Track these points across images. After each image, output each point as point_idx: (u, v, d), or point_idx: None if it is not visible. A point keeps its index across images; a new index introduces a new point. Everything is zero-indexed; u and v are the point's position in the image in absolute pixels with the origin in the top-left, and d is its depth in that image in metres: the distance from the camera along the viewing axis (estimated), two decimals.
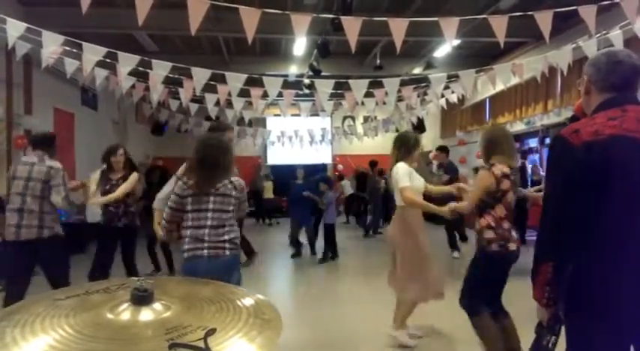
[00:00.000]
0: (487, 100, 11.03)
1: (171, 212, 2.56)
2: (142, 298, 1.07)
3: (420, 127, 11.63)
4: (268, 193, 12.96)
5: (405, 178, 3.31)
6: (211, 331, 0.96)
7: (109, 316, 1.05)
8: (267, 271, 6.72)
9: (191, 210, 2.50)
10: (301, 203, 7.26)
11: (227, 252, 2.49)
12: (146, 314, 1.05)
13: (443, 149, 7.49)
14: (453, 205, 3.05)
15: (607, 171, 1.36)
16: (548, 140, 8.88)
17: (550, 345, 1.50)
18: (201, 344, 0.91)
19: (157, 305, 1.08)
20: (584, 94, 1.59)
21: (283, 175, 12.19)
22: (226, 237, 2.50)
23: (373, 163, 10.23)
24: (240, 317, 1.06)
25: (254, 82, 5.97)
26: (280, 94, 6.27)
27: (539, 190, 5.26)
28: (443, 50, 9.27)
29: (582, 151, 1.38)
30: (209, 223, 2.48)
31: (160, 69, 5.32)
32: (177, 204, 2.53)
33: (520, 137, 10.16)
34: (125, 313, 1.05)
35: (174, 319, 1.03)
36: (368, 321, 4.10)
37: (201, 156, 2.52)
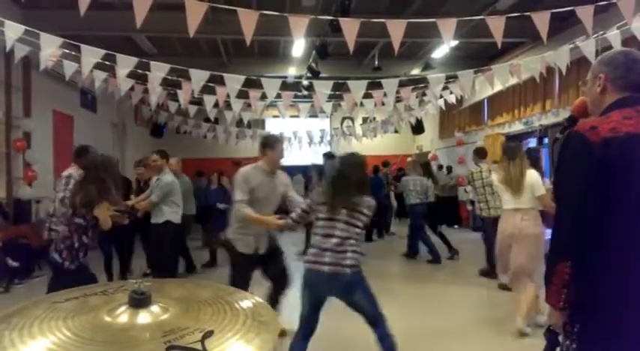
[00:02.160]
0: (485, 100, 11.04)
1: (302, 214, 2.78)
2: (139, 301, 1.07)
3: (418, 127, 11.65)
4: None
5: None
6: (209, 334, 0.96)
7: (107, 318, 1.05)
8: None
9: (323, 218, 2.64)
10: (217, 209, 6.83)
11: (347, 270, 2.55)
12: (144, 317, 1.05)
13: None
14: None
15: (625, 169, 1.34)
16: (546, 140, 8.89)
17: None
18: (198, 346, 0.92)
19: (155, 308, 1.08)
20: (599, 94, 1.54)
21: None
22: (349, 254, 2.57)
23: (385, 164, 10.28)
24: (237, 319, 1.06)
25: (253, 83, 5.98)
26: (279, 96, 6.28)
27: None
28: (441, 51, 9.28)
29: (601, 148, 1.34)
30: (337, 233, 2.58)
31: (159, 71, 5.32)
32: (310, 209, 2.73)
33: (518, 137, 10.17)
34: (123, 315, 1.06)
35: (171, 322, 1.03)
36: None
37: (339, 172, 2.69)
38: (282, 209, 3.42)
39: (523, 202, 3.92)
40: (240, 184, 3.35)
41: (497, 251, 4.16)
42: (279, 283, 3.58)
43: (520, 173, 3.93)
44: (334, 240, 2.56)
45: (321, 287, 2.64)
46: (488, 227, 5.68)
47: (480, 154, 6.18)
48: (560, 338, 1.48)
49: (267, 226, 3.24)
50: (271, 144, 3.50)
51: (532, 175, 3.94)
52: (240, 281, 3.29)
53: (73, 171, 4.02)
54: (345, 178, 2.65)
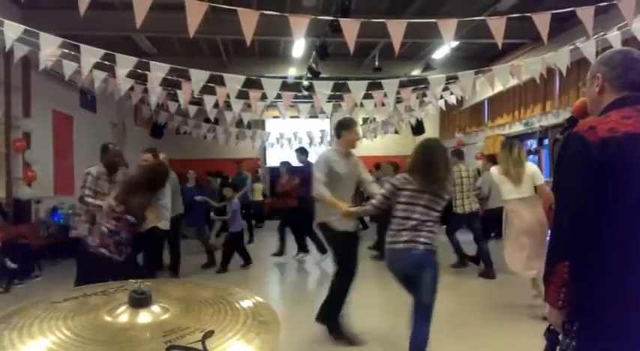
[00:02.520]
0: (486, 101, 11.06)
1: (383, 200, 2.87)
2: (140, 301, 1.06)
3: (418, 128, 11.65)
4: (257, 196, 12.71)
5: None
6: (209, 333, 0.96)
7: (107, 318, 1.04)
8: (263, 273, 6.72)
9: (404, 202, 2.73)
10: (195, 208, 6.81)
11: (420, 247, 2.66)
12: (144, 316, 1.04)
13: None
14: None
15: (623, 168, 1.33)
16: (546, 141, 8.90)
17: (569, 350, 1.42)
18: (199, 346, 0.91)
19: (155, 307, 1.07)
20: (597, 94, 1.54)
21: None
22: (424, 233, 2.68)
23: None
24: (238, 319, 1.06)
25: (253, 83, 5.98)
26: (279, 96, 6.28)
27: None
28: (441, 52, 9.29)
29: (599, 148, 1.34)
30: (416, 216, 2.69)
31: (159, 71, 5.32)
32: (391, 194, 2.80)
33: (519, 138, 10.15)
34: (123, 315, 1.05)
35: (172, 322, 1.03)
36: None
37: (427, 157, 2.77)
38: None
39: (524, 191, 4.14)
40: (320, 164, 3.56)
41: (518, 244, 4.19)
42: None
43: (520, 163, 4.16)
44: (412, 222, 2.69)
45: (396, 264, 2.79)
46: (454, 222, 6.22)
47: (459, 155, 6.58)
48: (560, 337, 1.48)
49: (338, 210, 3.30)
50: (347, 125, 3.68)
51: (531, 166, 4.25)
52: (345, 260, 3.60)
53: (93, 169, 4.17)
54: (433, 164, 2.74)
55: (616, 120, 1.39)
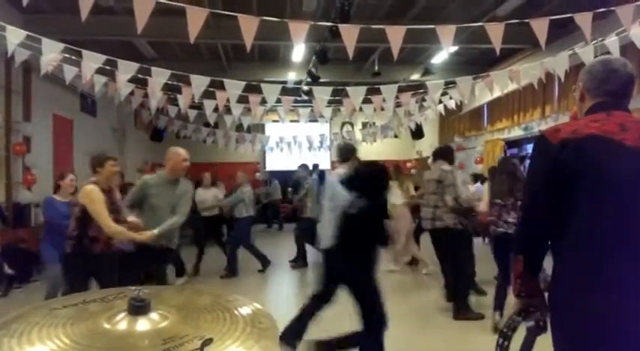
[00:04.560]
0: (485, 106, 11.08)
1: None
2: (138, 308, 1.07)
3: (418, 132, 11.66)
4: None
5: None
6: (208, 341, 0.96)
7: (106, 325, 1.05)
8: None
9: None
10: None
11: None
12: (143, 324, 1.04)
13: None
14: None
15: (578, 168, 1.38)
16: None
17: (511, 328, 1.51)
18: None
19: (154, 315, 1.07)
20: (579, 101, 1.61)
21: (282, 181, 12.23)
22: None
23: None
24: (237, 326, 1.06)
25: (253, 88, 6.00)
26: (279, 101, 6.29)
27: None
28: (440, 57, 9.32)
29: (557, 148, 1.41)
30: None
31: (159, 76, 5.33)
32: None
33: (518, 143, 10.18)
34: (122, 322, 1.05)
35: (171, 329, 1.03)
36: None
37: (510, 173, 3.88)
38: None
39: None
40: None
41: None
42: None
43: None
44: None
45: None
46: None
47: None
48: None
49: None
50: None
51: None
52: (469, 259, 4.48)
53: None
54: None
55: (583, 123, 1.46)
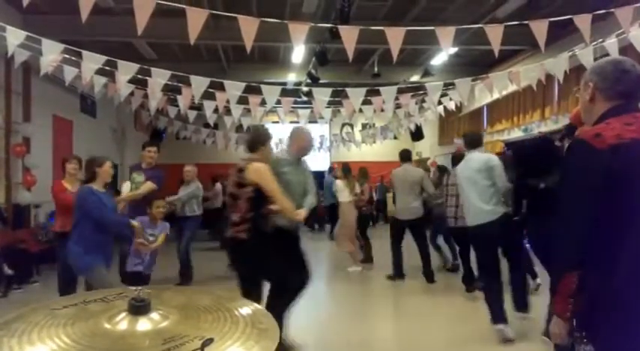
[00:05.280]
0: (484, 107, 11.08)
1: None
2: (139, 308, 1.07)
3: (417, 134, 11.68)
4: None
5: None
6: (208, 341, 0.96)
7: (107, 325, 1.04)
8: None
9: None
10: None
11: None
12: (143, 324, 1.04)
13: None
14: None
15: (633, 174, 1.34)
16: None
17: None
18: None
19: (155, 315, 1.07)
20: (588, 102, 1.57)
21: None
22: None
23: None
24: (237, 327, 1.06)
25: (252, 89, 6.00)
26: (278, 102, 6.29)
27: None
28: (440, 58, 9.33)
29: (609, 155, 1.35)
30: None
31: (159, 77, 5.33)
32: None
33: (518, 144, 10.14)
34: (122, 322, 1.05)
35: (171, 329, 1.03)
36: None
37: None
38: None
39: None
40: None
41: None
42: None
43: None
44: None
45: None
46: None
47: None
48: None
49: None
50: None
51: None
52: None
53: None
54: None
55: (620, 127, 1.41)
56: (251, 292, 2.99)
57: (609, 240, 1.35)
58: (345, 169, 7.17)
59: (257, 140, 3.35)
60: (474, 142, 4.17)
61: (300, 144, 3.72)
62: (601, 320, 1.38)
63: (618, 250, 1.35)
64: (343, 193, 6.82)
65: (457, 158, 5.28)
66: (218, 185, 10.29)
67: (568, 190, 1.47)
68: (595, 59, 4.92)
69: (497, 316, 3.64)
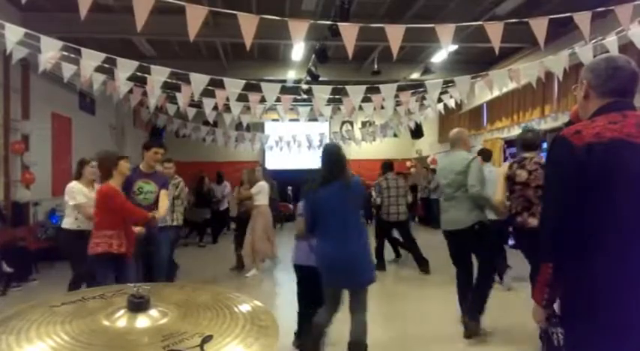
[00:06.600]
0: (484, 105, 11.08)
1: None
2: (138, 305, 1.06)
3: (417, 132, 11.66)
4: None
5: None
6: (208, 338, 0.96)
7: (105, 322, 1.04)
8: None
9: None
10: None
11: None
12: (142, 321, 1.04)
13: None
14: None
15: (607, 173, 1.37)
16: (545, 145, 8.90)
17: (559, 339, 1.50)
18: None
19: (154, 312, 1.07)
20: (583, 99, 1.59)
21: (281, 180, 12.21)
22: None
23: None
24: (236, 324, 1.06)
25: (252, 87, 5.99)
26: (278, 99, 6.28)
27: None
28: (440, 56, 9.31)
29: (584, 152, 1.39)
30: None
31: (158, 74, 5.32)
32: None
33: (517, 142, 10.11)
34: (121, 319, 1.05)
35: (170, 326, 1.02)
36: None
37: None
38: None
39: None
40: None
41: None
42: None
43: None
44: None
45: None
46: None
47: (389, 168, 6.97)
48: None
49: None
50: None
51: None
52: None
53: None
54: None
55: (602, 125, 1.43)
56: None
57: (587, 234, 1.41)
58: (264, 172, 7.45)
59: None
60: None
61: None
62: (573, 306, 1.46)
63: (596, 246, 1.40)
64: (263, 195, 6.78)
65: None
66: (226, 185, 10.19)
67: (545, 183, 1.58)
68: (594, 57, 4.91)
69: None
